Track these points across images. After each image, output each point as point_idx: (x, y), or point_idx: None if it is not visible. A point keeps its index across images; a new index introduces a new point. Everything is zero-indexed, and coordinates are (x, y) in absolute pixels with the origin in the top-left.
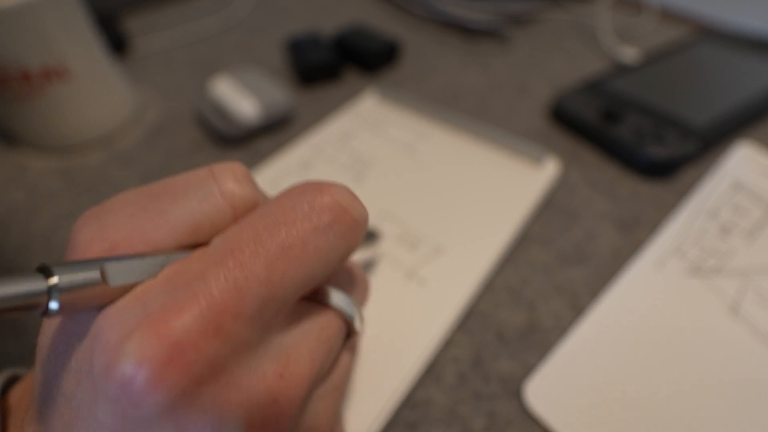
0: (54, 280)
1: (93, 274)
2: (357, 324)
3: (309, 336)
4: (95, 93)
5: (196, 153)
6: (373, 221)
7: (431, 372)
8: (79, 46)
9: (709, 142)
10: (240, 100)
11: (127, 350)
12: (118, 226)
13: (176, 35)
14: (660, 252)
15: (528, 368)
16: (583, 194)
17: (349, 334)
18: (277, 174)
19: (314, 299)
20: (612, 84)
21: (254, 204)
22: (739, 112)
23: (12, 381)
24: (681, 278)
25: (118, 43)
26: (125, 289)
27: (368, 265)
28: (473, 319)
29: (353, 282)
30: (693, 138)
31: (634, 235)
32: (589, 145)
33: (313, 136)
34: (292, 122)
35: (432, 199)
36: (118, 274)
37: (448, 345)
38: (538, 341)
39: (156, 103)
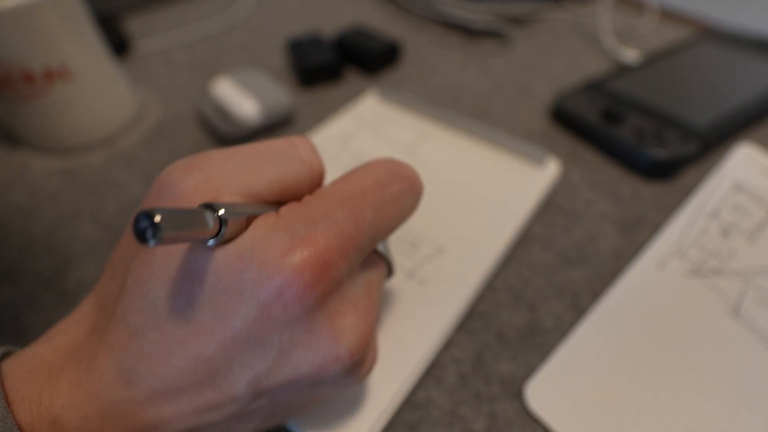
0: (222, 212)
1: (251, 209)
2: (393, 266)
3: (376, 271)
4: (97, 94)
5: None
6: None
7: (432, 373)
8: (81, 47)
9: (709, 143)
10: (241, 100)
11: (287, 262)
12: (220, 180)
13: (178, 36)
14: (661, 253)
15: (529, 369)
16: (583, 195)
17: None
18: None
19: None
20: (613, 84)
21: (323, 171)
22: (739, 112)
23: (5, 355)
24: (682, 279)
25: (119, 44)
26: (240, 227)
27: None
28: (474, 320)
29: None
30: (694, 139)
31: (634, 235)
32: (589, 145)
33: (314, 136)
34: (293, 123)
35: (433, 199)
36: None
37: (448, 345)
38: (538, 342)
39: (157, 103)
